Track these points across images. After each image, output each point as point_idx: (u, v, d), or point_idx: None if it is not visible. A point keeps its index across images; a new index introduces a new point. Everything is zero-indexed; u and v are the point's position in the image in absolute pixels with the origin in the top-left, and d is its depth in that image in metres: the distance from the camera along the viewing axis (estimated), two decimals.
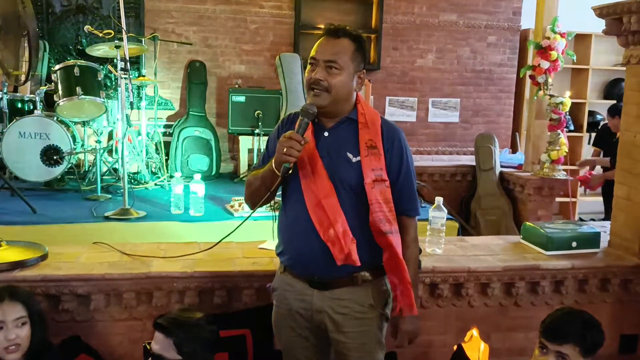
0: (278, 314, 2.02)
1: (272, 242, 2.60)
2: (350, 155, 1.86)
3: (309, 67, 1.88)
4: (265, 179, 1.87)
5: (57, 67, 4.44)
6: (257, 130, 5.18)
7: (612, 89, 6.56)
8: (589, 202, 6.63)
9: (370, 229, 1.84)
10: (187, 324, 1.87)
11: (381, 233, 1.83)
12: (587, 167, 5.36)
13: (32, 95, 4.59)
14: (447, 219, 2.82)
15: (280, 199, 2.04)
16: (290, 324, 1.98)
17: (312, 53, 1.87)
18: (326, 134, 1.91)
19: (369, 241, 1.86)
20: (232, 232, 2.14)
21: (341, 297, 1.88)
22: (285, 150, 1.76)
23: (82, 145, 4.59)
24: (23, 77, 4.50)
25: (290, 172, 1.84)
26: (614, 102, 6.31)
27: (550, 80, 5.09)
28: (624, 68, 2.89)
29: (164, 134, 5.33)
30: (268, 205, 2.45)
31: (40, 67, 5.07)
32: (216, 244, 2.27)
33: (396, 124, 2.00)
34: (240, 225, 2.03)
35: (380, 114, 1.98)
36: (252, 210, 2.00)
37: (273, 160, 1.82)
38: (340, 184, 1.85)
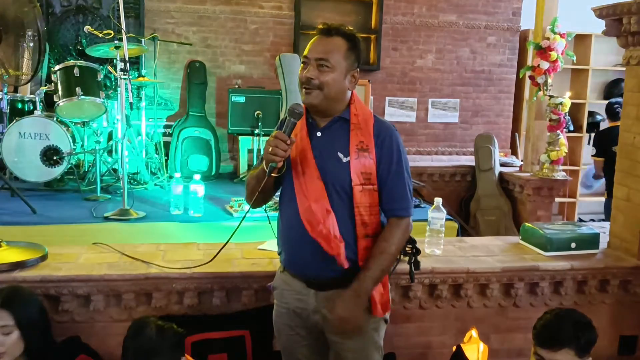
0: (278, 313, 2.03)
1: (271, 243, 2.60)
2: (340, 155, 1.86)
3: (301, 66, 1.89)
4: (258, 178, 1.88)
5: (57, 67, 4.43)
6: (256, 131, 5.17)
7: (612, 90, 6.56)
8: (589, 203, 6.63)
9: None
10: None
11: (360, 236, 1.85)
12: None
13: (32, 96, 4.58)
14: (447, 219, 2.82)
15: (278, 198, 2.05)
16: (289, 323, 1.99)
17: (305, 52, 1.88)
18: (319, 133, 1.91)
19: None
20: (229, 240, 2.13)
21: (336, 299, 1.89)
22: (270, 149, 1.78)
23: (82, 145, 4.59)
24: (24, 78, 4.50)
25: (282, 171, 1.85)
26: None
27: (549, 80, 5.10)
28: (624, 68, 2.89)
29: (164, 134, 5.33)
30: (269, 205, 2.45)
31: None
32: (217, 253, 2.27)
33: (391, 123, 1.98)
34: (236, 230, 2.03)
35: (376, 114, 1.97)
36: (246, 212, 2.00)
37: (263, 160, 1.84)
38: (331, 184, 1.85)
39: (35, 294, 2.11)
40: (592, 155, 5.13)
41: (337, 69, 1.84)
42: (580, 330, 1.87)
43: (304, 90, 1.86)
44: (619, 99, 4.73)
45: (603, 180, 5.26)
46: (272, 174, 1.82)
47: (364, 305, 1.84)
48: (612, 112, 5.14)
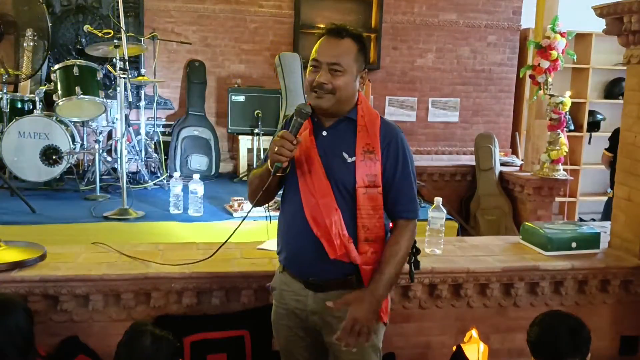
0: (276, 313, 2.02)
1: (270, 243, 2.59)
2: (345, 155, 1.85)
3: (310, 68, 1.85)
4: (262, 177, 1.87)
5: (56, 66, 4.43)
6: (256, 130, 5.18)
7: (613, 89, 6.55)
8: (589, 202, 6.62)
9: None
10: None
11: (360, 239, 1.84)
12: None
13: (31, 95, 4.58)
14: (447, 219, 2.81)
15: (279, 198, 2.04)
16: (288, 324, 1.98)
17: (314, 54, 1.84)
18: (324, 133, 1.90)
19: None
20: (229, 238, 2.12)
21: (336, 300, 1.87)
22: (276, 149, 1.77)
23: (82, 145, 4.58)
24: (23, 77, 4.49)
25: (287, 171, 1.84)
26: (615, 101, 6.33)
27: (550, 79, 5.08)
28: (625, 67, 2.88)
29: (163, 134, 5.32)
30: (270, 205, 2.45)
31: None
32: (216, 252, 2.26)
33: (397, 124, 1.98)
34: (236, 229, 2.02)
35: (380, 114, 1.97)
36: (248, 212, 1.99)
37: (268, 160, 1.83)
38: (335, 183, 1.84)
39: (20, 304, 2.00)
40: (605, 149, 4.98)
41: (348, 72, 1.82)
42: (578, 335, 1.87)
43: (314, 94, 1.83)
44: None
45: None
46: (277, 174, 1.81)
47: (378, 309, 1.84)
48: None
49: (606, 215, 4.87)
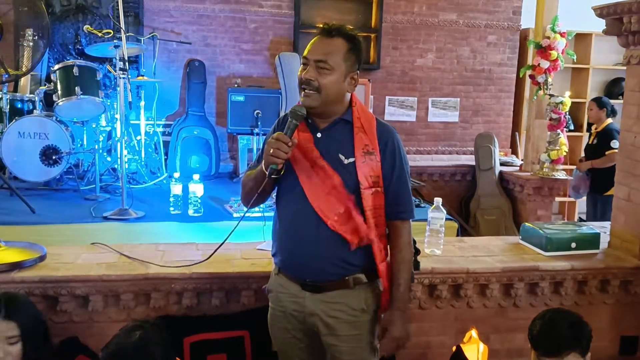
0: (273, 315, 2.02)
1: (270, 243, 2.59)
2: (342, 157, 1.85)
3: (301, 67, 1.87)
4: (257, 179, 1.87)
5: (56, 67, 4.43)
6: (256, 130, 5.16)
7: (613, 89, 6.55)
8: None
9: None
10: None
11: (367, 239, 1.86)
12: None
13: (31, 95, 4.59)
14: (447, 219, 2.81)
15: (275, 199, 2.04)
16: (285, 326, 1.98)
17: (305, 52, 1.86)
18: (319, 135, 1.89)
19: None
20: (226, 239, 2.12)
21: (333, 301, 1.88)
22: (272, 151, 1.76)
23: (81, 145, 4.58)
24: (21, 74, 4.49)
25: (282, 173, 1.83)
26: (615, 101, 6.32)
27: (550, 79, 5.09)
28: (625, 67, 2.88)
29: (163, 134, 5.32)
30: (268, 205, 2.44)
31: (39, 67, 5.06)
32: (214, 252, 2.25)
33: (392, 125, 1.99)
34: (234, 229, 2.02)
35: (377, 115, 1.98)
36: (245, 212, 1.99)
37: (263, 162, 1.82)
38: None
39: (31, 301, 2.06)
40: (614, 148, 4.69)
41: (336, 71, 1.82)
42: (579, 331, 1.88)
43: (302, 91, 1.84)
44: None
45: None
46: (272, 176, 1.80)
47: (409, 318, 1.93)
48: None
49: (594, 214, 4.89)
